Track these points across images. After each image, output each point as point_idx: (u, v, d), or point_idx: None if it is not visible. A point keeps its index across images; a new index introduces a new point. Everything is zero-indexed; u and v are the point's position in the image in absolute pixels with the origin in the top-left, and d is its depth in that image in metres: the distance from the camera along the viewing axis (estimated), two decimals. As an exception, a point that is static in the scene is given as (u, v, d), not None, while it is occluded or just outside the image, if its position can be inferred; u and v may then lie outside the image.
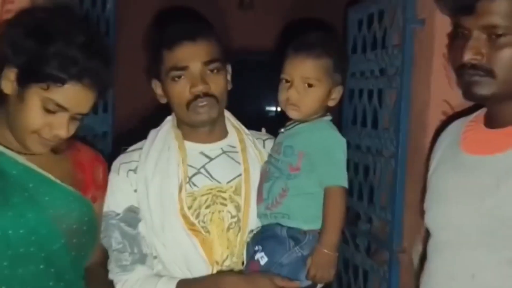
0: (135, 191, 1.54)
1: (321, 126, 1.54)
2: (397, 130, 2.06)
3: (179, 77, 1.48)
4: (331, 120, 1.58)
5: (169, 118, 1.63)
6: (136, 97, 4.74)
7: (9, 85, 1.38)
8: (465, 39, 1.26)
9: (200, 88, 1.46)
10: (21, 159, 1.43)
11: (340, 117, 2.61)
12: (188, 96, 1.48)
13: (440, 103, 1.88)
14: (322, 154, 1.49)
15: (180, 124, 1.58)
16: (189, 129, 1.56)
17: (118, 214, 1.54)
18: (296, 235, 1.48)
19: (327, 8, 4.16)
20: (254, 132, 1.68)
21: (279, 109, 5.51)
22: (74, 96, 1.36)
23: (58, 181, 1.46)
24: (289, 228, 1.49)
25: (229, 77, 1.58)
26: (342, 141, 1.53)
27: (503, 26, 1.21)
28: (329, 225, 1.47)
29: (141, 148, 1.59)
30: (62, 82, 1.34)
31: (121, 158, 1.59)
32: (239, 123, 1.66)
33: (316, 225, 1.49)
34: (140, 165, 1.55)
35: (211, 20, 4.41)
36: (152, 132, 1.61)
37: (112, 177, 1.57)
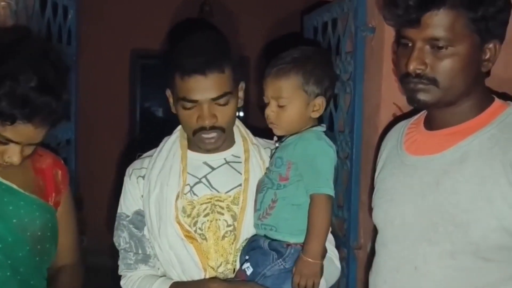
0: (142, 196, 1.61)
1: (307, 136, 1.57)
2: (351, 132, 2.16)
3: (188, 107, 1.51)
4: (323, 131, 1.61)
5: (179, 127, 1.67)
6: (98, 105, 4.77)
7: None
8: (409, 49, 1.34)
9: (206, 123, 1.50)
10: None
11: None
12: (195, 125, 1.52)
13: (390, 105, 1.98)
14: (307, 163, 1.52)
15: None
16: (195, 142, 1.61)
17: (128, 216, 1.62)
18: (278, 248, 1.52)
19: (284, 15, 4.25)
20: (264, 141, 1.71)
21: (241, 114, 5.65)
22: (24, 133, 1.38)
23: (21, 190, 1.50)
24: (272, 240, 1.54)
25: (241, 94, 1.61)
26: (328, 150, 1.55)
27: (444, 39, 1.29)
28: (313, 233, 1.48)
29: (151, 156, 1.66)
30: (11, 121, 1.35)
31: (134, 164, 1.67)
32: (248, 132, 1.70)
33: (302, 238, 1.51)
34: (147, 172, 1.62)
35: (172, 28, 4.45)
36: (164, 140, 1.68)
37: (125, 181, 1.64)
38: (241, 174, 1.61)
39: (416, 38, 1.32)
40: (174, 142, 1.65)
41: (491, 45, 1.31)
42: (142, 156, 1.69)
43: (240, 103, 1.61)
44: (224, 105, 1.52)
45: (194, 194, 1.58)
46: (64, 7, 2.43)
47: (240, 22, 4.87)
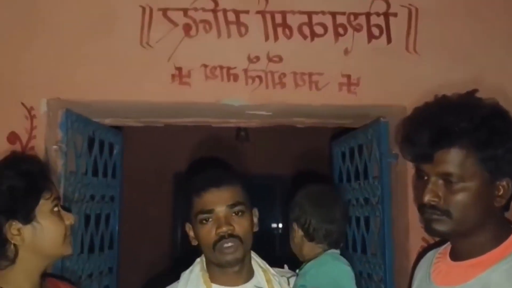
0: None
1: (326, 259, 1.72)
2: (383, 256, 2.19)
3: (207, 220, 1.59)
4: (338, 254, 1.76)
5: (198, 260, 1.70)
6: (141, 233, 4.93)
7: None
8: (425, 182, 1.42)
9: (224, 229, 1.56)
10: None
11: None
12: (214, 237, 1.57)
13: (419, 230, 1.98)
14: (332, 286, 1.65)
15: (209, 265, 1.65)
16: (217, 271, 1.63)
17: None
18: None
19: (314, 139, 4.41)
20: (278, 269, 1.76)
21: (280, 225, 5.90)
22: None
23: None
24: None
25: (256, 220, 1.67)
26: (347, 269, 1.70)
27: (456, 174, 1.37)
28: None
29: None
30: None
31: None
32: (264, 262, 1.73)
33: None
34: None
35: (212, 151, 4.71)
36: (184, 275, 1.68)
37: None
38: None
39: (430, 172, 1.41)
40: (197, 276, 1.66)
41: (504, 183, 1.37)
42: None
43: (256, 227, 1.66)
44: (239, 214, 1.60)
45: None
46: (110, 144, 2.64)
47: (273, 147, 5.10)
